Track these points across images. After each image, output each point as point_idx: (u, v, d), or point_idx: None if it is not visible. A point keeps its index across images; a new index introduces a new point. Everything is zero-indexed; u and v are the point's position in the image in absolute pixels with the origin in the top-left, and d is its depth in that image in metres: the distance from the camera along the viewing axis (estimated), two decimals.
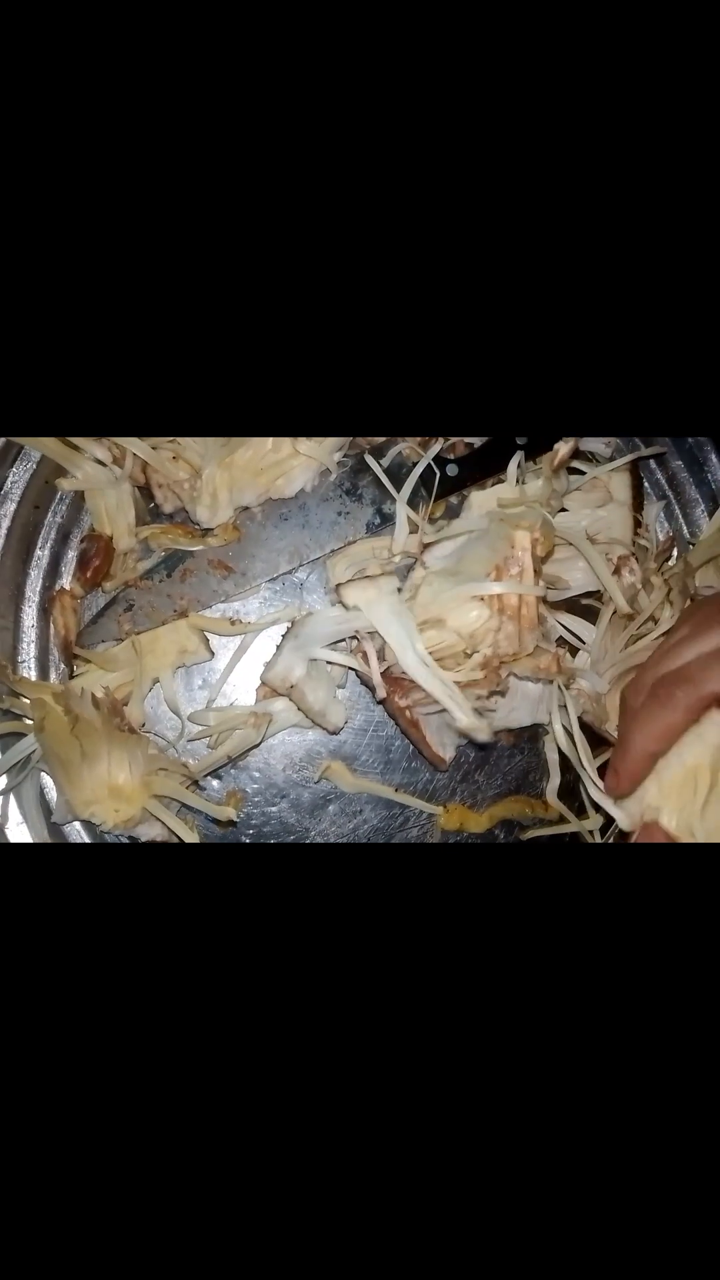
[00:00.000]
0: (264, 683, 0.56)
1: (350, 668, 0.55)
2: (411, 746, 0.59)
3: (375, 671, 0.53)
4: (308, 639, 0.54)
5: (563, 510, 0.59)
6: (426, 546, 0.56)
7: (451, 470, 0.57)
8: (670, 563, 0.60)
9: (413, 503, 0.57)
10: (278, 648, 0.56)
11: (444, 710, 0.56)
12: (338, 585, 0.56)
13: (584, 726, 0.58)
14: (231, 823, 0.56)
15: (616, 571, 0.56)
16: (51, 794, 0.55)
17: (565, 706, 0.58)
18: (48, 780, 0.55)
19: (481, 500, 0.58)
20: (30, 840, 0.55)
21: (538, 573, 0.53)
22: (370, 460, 0.57)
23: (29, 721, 0.52)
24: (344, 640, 0.56)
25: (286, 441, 0.55)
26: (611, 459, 0.60)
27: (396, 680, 0.54)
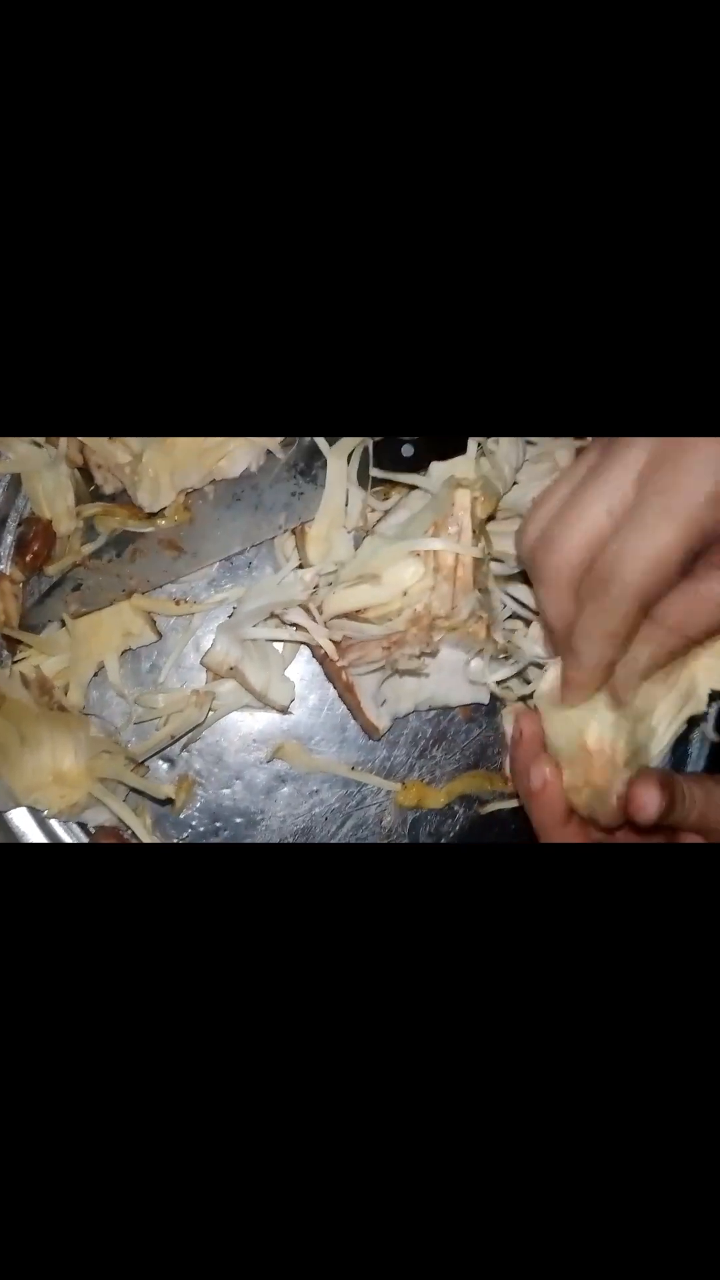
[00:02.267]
0: (204, 666, 0.55)
1: (286, 641, 0.55)
2: None
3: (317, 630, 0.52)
4: (240, 617, 0.54)
5: (515, 484, 0.58)
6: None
7: (407, 451, 0.56)
8: None
9: (366, 482, 0.56)
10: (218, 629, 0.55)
11: (380, 670, 0.55)
12: (301, 526, 0.56)
13: None
14: (170, 800, 0.56)
15: None
16: None
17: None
18: None
19: (442, 470, 0.57)
20: None
21: (476, 533, 0.52)
22: (322, 444, 0.56)
23: None
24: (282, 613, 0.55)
25: None
26: None
27: (335, 641, 0.54)
